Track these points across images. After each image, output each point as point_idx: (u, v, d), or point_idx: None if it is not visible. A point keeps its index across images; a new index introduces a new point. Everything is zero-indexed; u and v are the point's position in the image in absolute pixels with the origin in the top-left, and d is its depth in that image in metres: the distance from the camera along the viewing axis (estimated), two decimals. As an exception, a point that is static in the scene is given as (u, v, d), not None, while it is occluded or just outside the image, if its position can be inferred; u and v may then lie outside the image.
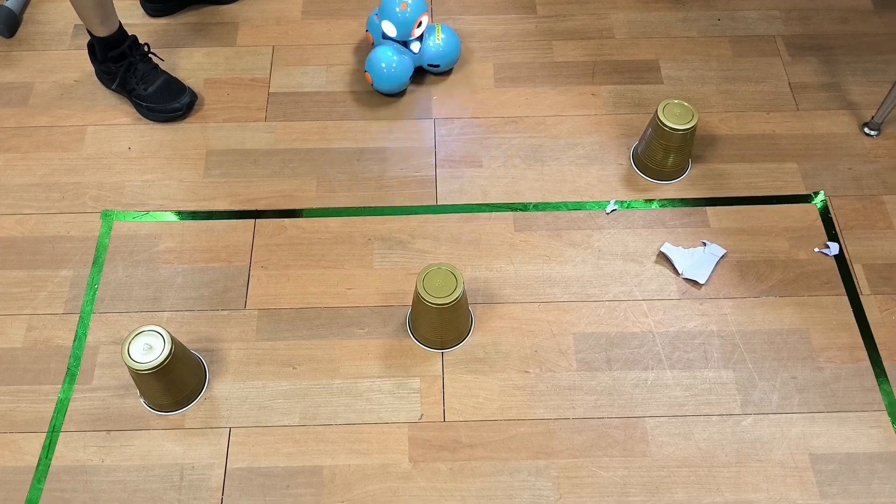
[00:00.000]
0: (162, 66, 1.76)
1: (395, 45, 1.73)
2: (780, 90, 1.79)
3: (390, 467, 1.32)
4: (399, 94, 1.78)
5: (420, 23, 1.70)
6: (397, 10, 1.67)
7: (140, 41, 1.72)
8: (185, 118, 1.73)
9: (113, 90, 1.75)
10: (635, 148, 1.68)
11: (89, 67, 1.80)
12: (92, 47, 1.70)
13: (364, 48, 1.86)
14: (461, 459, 1.33)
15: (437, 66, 1.77)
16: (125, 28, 1.68)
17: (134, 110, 1.74)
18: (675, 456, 1.34)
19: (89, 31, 1.65)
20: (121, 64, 1.68)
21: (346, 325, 1.47)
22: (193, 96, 1.73)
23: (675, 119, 1.54)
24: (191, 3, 1.92)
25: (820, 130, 1.72)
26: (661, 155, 1.59)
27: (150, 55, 1.72)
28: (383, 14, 1.70)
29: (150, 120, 1.72)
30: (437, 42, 1.75)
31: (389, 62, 1.71)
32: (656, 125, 1.55)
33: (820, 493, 1.30)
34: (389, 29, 1.70)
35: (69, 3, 1.91)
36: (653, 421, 1.37)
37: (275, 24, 1.90)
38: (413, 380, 1.41)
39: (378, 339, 1.45)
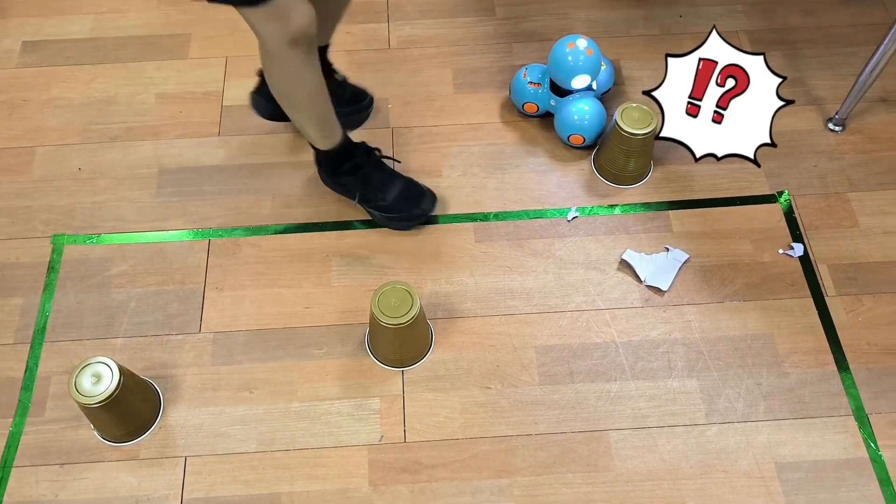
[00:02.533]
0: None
1: (577, 94, 1.62)
2: (744, 87, 1.76)
3: (350, 492, 1.30)
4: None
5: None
6: (581, 59, 1.56)
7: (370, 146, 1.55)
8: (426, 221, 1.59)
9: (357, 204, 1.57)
10: (596, 152, 1.65)
11: (39, 86, 1.76)
12: (318, 161, 1.54)
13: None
14: (422, 481, 1.31)
15: (609, 90, 1.72)
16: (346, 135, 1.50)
17: (85, 129, 1.69)
18: (639, 469, 1.32)
19: (311, 145, 1.50)
20: (355, 176, 1.51)
21: (303, 345, 1.44)
22: (434, 199, 1.57)
23: (633, 123, 1.51)
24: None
25: (784, 128, 1.69)
26: (621, 160, 1.56)
27: (382, 160, 1.56)
28: (569, 72, 1.57)
29: (391, 229, 1.58)
30: (603, 68, 1.67)
31: (583, 113, 1.60)
32: (615, 130, 1.52)
33: (786, 503, 1.28)
34: (582, 81, 1.58)
35: (18, 20, 1.89)
36: (616, 434, 1.35)
37: (228, 34, 1.86)
38: (372, 400, 1.39)
39: (336, 360, 1.42)
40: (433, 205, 1.56)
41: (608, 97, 1.73)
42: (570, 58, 1.57)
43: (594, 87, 1.64)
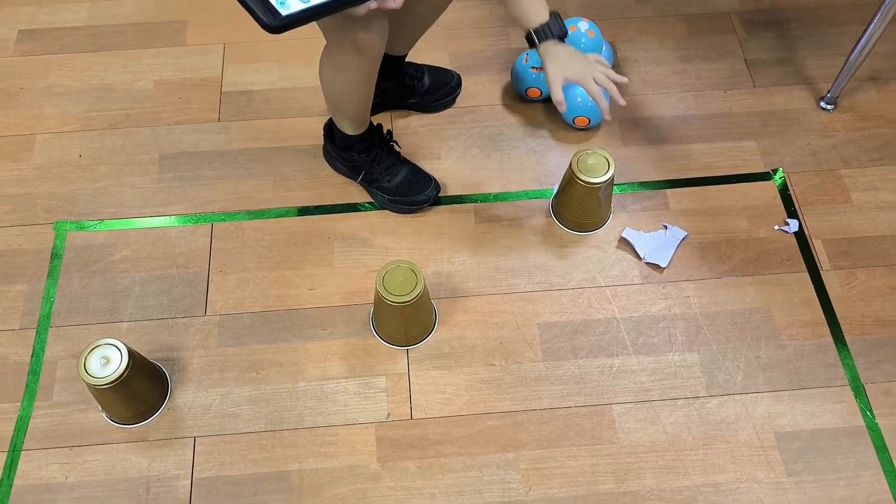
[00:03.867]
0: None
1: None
2: (737, 67, 1.78)
3: (358, 469, 1.32)
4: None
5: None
6: (583, 41, 1.59)
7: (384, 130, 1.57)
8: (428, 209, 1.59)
9: (359, 183, 1.59)
10: (554, 201, 1.58)
11: (36, 74, 1.76)
12: (330, 130, 1.56)
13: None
14: (429, 457, 1.33)
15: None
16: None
17: (84, 116, 1.70)
18: (642, 442, 1.34)
19: (335, 125, 1.52)
20: (368, 155, 1.53)
21: (308, 326, 1.45)
22: (438, 187, 1.57)
23: (589, 171, 1.44)
24: (394, 107, 1.72)
25: (777, 107, 1.72)
26: (582, 207, 1.51)
27: (392, 143, 1.58)
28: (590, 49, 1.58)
29: (393, 212, 1.58)
30: (603, 50, 1.67)
31: (587, 95, 1.54)
32: (572, 180, 1.46)
33: (786, 471, 1.31)
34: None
35: (12, 9, 1.88)
36: (619, 408, 1.37)
37: (225, 20, 1.87)
38: (379, 379, 1.40)
39: (342, 339, 1.44)
40: (437, 192, 1.58)
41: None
42: (582, 39, 1.59)
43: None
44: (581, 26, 1.58)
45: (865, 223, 1.56)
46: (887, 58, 1.79)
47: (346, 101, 1.44)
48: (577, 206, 1.50)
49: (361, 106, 1.45)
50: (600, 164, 1.45)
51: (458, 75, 1.74)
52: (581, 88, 1.60)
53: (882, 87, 1.75)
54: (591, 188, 1.44)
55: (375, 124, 1.54)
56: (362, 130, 1.51)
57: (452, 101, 1.73)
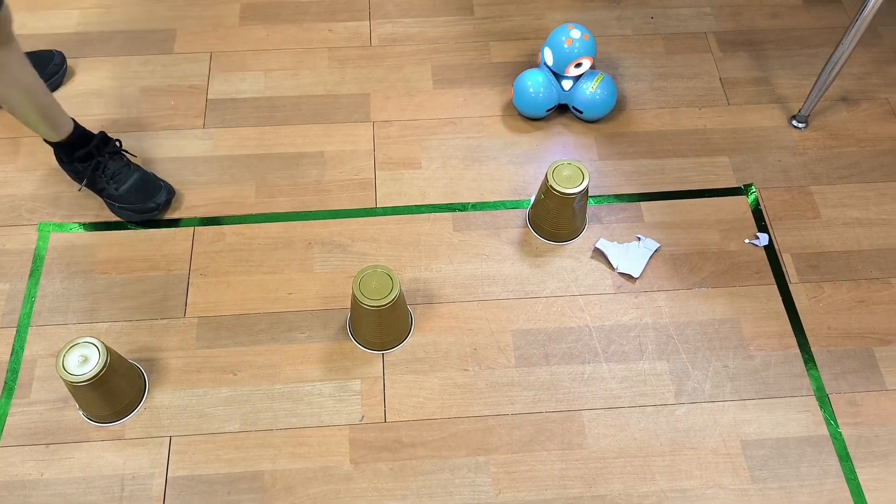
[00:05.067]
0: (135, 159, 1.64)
1: (551, 74, 1.71)
2: (712, 85, 1.83)
3: (331, 470, 1.34)
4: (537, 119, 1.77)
5: (580, 63, 1.67)
6: (563, 42, 1.65)
7: (111, 137, 1.58)
8: (162, 215, 1.62)
9: (81, 190, 1.61)
10: (530, 211, 1.62)
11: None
12: (53, 148, 1.57)
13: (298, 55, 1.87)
14: (402, 459, 1.35)
15: (581, 112, 1.74)
16: (84, 125, 1.55)
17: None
18: (611, 447, 1.37)
19: (45, 140, 1.54)
20: (88, 164, 1.55)
21: (286, 329, 1.47)
22: (170, 193, 1.61)
23: (564, 182, 1.48)
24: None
25: (750, 124, 1.77)
26: (556, 217, 1.54)
27: (121, 152, 1.59)
28: (549, 41, 1.69)
29: (125, 220, 1.60)
30: (591, 90, 1.69)
31: (537, 87, 1.70)
32: (548, 189, 1.49)
33: (751, 478, 1.34)
34: (548, 56, 1.69)
35: None
36: (589, 414, 1.40)
37: (212, 29, 1.90)
38: (354, 382, 1.43)
39: (319, 343, 1.46)
40: (168, 199, 1.59)
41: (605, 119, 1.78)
42: (562, 36, 1.66)
43: (564, 86, 1.71)
44: (573, 33, 1.64)
45: (833, 238, 1.60)
46: (858, 79, 1.84)
47: (19, 97, 1.41)
48: (552, 217, 1.54)
49: (41, 100, 1.43)
50: (575, 175, 1.48)
51: (59, 52, 1.77)
52: (534, 73, 1.69)
53: (852, 108, 1.80)
54: (566, 199, 1.48)
55: (97, 132, 1.55)
56: (66, 133, 1.51)
57: (62, 77, 1.78)
